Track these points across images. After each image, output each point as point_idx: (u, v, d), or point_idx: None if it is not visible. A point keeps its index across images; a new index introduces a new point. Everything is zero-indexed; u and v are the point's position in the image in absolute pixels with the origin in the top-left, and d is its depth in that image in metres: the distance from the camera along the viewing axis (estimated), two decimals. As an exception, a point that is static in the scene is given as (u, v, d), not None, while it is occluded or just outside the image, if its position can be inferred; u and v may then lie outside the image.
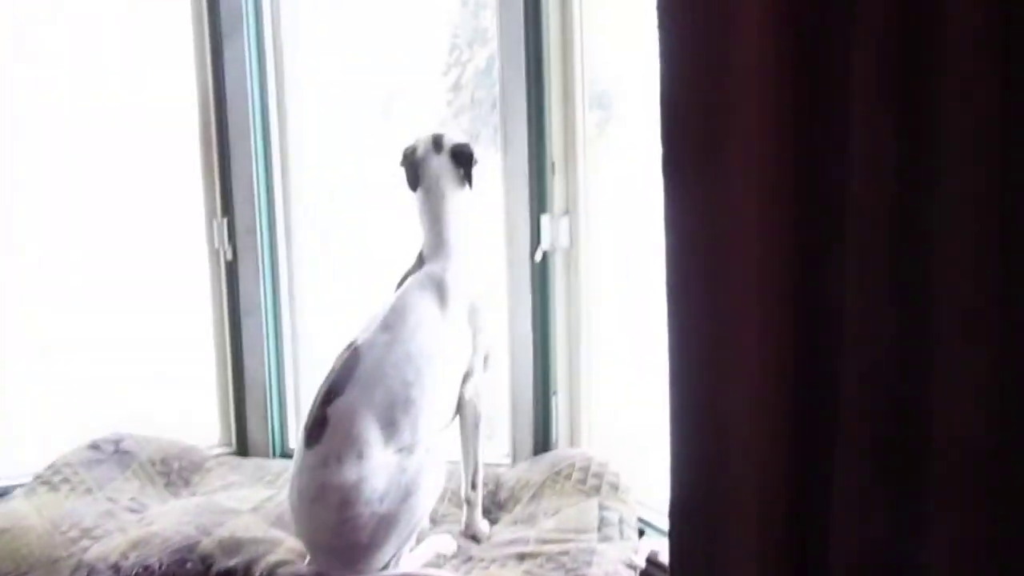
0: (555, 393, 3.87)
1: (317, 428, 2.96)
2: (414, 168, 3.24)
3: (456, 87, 4.31)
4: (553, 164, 3.68)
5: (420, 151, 3.26)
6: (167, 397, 4.65)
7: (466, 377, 3.23)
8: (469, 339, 3.18)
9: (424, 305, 3.09)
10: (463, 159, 3.23)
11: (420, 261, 3.21)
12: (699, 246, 1.88)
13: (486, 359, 3.28)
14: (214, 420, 4.50)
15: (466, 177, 3.22)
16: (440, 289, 3.11)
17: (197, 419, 4.45)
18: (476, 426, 3.28)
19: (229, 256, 4.35)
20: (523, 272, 3.77)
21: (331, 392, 2.96)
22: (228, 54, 4.16)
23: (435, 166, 3.22)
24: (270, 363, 4.42)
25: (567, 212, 3.74)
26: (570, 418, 3.90)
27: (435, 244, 3.20)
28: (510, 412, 3.90)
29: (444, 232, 3.20)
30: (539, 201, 3.75)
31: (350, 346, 3.04)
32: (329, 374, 3.02)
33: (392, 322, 3.04)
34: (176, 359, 4.65)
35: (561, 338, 3.86)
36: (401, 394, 2.93)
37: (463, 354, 3.18)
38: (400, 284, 3.24)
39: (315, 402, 3.01)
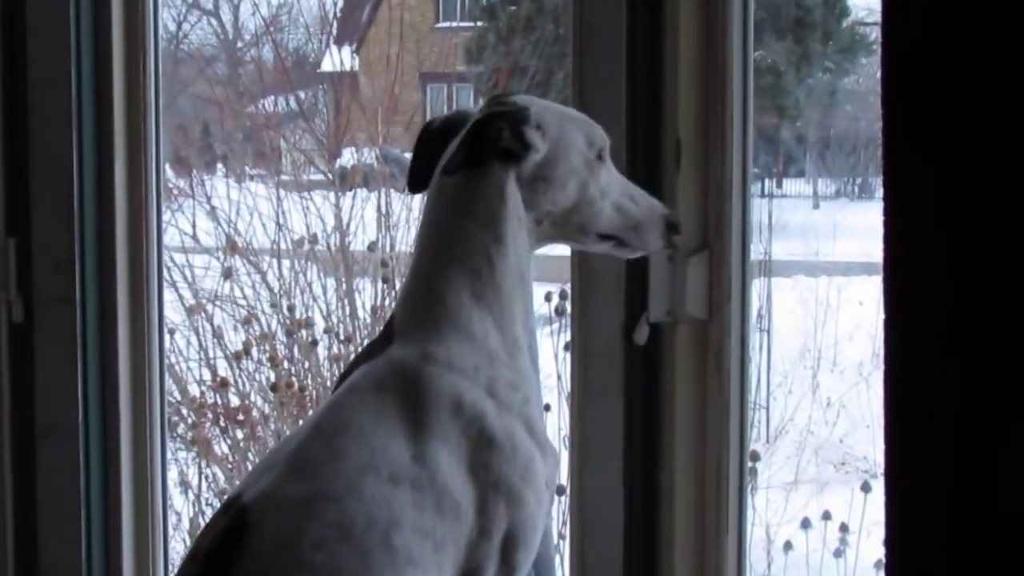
0: None
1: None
2: (427, 156, 2.33)
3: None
4: (678, 142, 2.61)
5: (437, 126, 2.38)
6: None
7: None
8: (471, 501, 2.17)
9: (379, 427, 2.15)
10: (486, 137, 2.21)
11: (387, 334, 2.30)
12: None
13: (511, 543, 2.21)
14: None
15: (501, 169, 2.23)
16: (413, 396, 2.15)
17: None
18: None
19: (18, 316, 3.24)
20: (606, 368, 2.75)
21: None
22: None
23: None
24: (90, 534, 3.24)
25: (705, 247, 2.63)
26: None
27: (418, 303, 2.27)
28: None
29: (441, 279, 2.24)
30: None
31: (230, 506, 2.16)
32: (189, 561, 2.15)
33: (315, 459, 2.15)
34: None
35: (684, 504, 2.74)
36: None
37: (458, 532, 2.17)
38: (343, 379, 2.34)
39: None
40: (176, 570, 2.27)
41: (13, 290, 3.18)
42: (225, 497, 2.35)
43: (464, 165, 2.25)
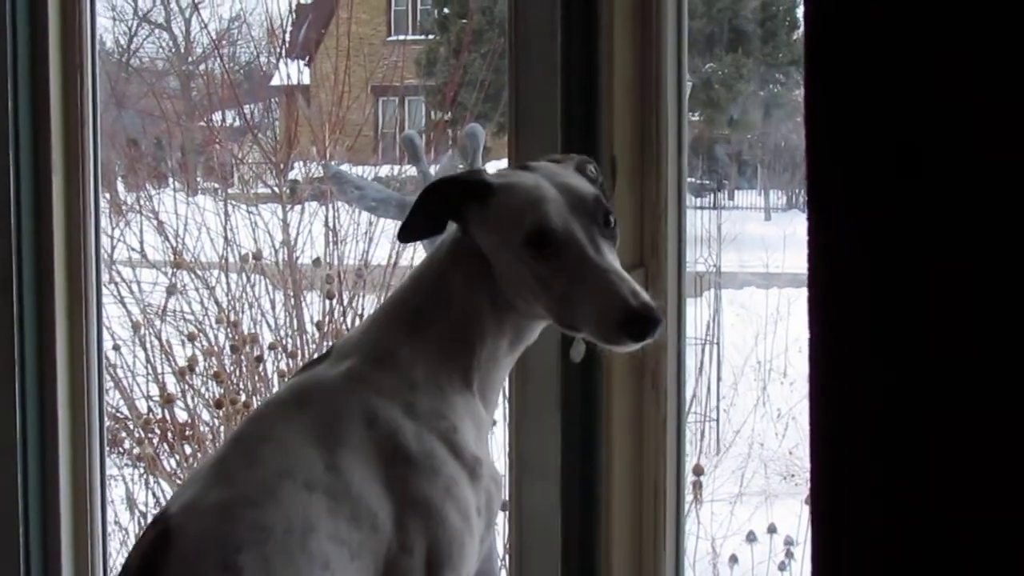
0: None
1: None
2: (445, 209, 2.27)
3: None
4: (614, 159, 2.63)
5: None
6: None
7: None
8: (388, 514, 2.16)
9: (295, 437, 2.18)
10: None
11: (325, 355, 2.33)
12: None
13: (436, 561, 2.20)
14: None
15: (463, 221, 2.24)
16: (330, 410, 2.18)
17: None
18: None
19: None
20: (543, 385, 2.75)
21: None
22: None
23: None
24: (28, 557, 3.21)
25: (640, 264, 2.65)
26: None
27: (359, 330, 2.35)
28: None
29: (387, 313, 2.31)
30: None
31: (157, 521, 2.20)
32: None
33: (234, 467, 2.18)
34: None
35: (621, 521, 2.73)
36: None
37: (375, 543, 2.16)
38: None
39: None
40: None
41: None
42: (157, 513, 2.35)
43: (415, 227, 2.27)
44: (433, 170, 4.22)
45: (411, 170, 4.80)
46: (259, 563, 2.11)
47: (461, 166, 4.17)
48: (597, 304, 2.08)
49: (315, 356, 2.63)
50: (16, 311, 3.01)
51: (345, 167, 4.92)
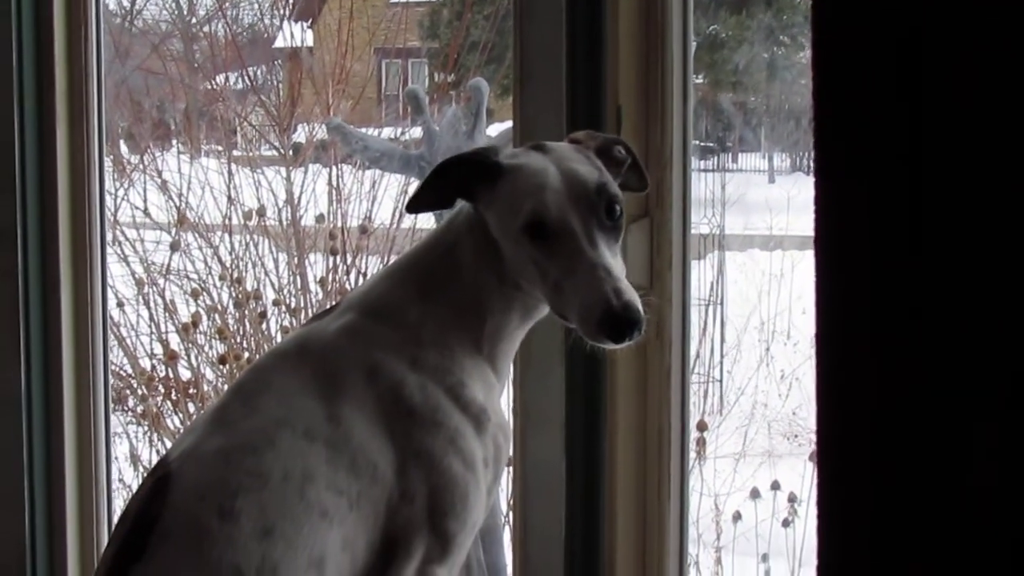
0: None
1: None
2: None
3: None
4: (619, 109, 2.62)
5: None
6: None
7: (393, 549, 2.18)
8: (390, 464, 2.17)
9: (295, 387, 2.20)
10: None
11: (332, 309, 2.34)
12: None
13: (438, 511, 2.19)
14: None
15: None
16: (331, 361, 2.20)
17: None
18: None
19: None
20: (547, 337, 2.66)
21: (122, 558, 2.11)
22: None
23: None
24: (33, 509, 3.22)
25: (646, 215, 2.63)
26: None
27: (369, 286, 2.33)
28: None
29: (398, 271, 2.31)
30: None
31: (157, 469, 2.21)
32: (119, 523, 2.18)
33: (234, 415, 2.19)
34: None
35: (625, 474, 2.72)
36: (252, 553, 2.06)
37: (375, 492, 2.17)
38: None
39: None
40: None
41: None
42: (159, 459, 2.37)
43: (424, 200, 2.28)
44: (436, 126, 4.21)
45: (414, 132, 4.79)
46: (255, 509, 2.11)
47: (464, 122, 4.16)
48: (581, 298, 2.07)
49: (320, 310, 2.60)
50: (21, 266, 3.04)
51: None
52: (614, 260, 2.08)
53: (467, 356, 2.25)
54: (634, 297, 2.04)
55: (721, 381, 4.71)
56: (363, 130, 4.89)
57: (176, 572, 2.10)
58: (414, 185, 4.45)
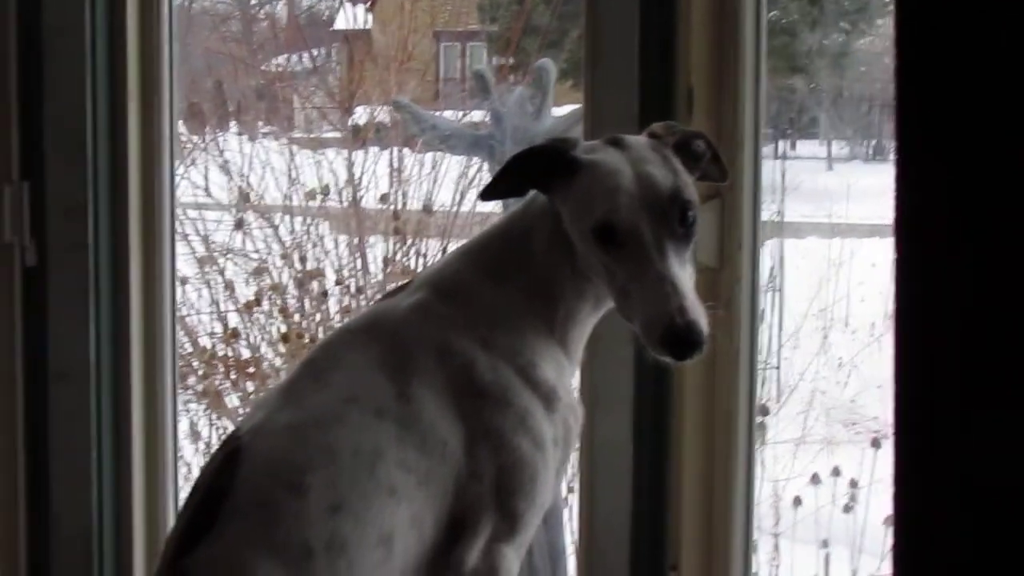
0: (673, 568, 2.79)
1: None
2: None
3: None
4: (691, 92, 2.58)
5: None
6: None
7: (460, 527, 2.19)
8: (459, 443, 2.17)
9: (366, 364, 2.20)
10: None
11: (404, 286, 2.33)
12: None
13: (506, 490, 2.20)
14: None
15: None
16: (403, 340, 2.20)
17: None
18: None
19: (31, 259, 3.19)
20: (615, 317, 2.46)
21: (190, 532, 2.11)
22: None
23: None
24: (101, 481, 3.20)
25: (716, 195, 2.59)
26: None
27: (440, 266, 2.33)
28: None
29: (470, 254, 2.31)
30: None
31: (229, 441, 2.22)
32: (190, 497, 2.19)
33: (304, 390, 2.20)
34: None
35: (692, 457, 2.73)
36: (321, 529, 2.07)
37: (444, 471, 2.18)
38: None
39: (164, 554, 2.20)
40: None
41: (27, 235, 3.14)
42: (229, 432, 2.38)
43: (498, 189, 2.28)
44: (500, 108, 4.20)
45: (474, 115, 4.79)
46: (325, 485, 2.12)
47: (531, 103, 4.16)
48: (646, 311, 2.05)
49: (392, 287, 2.61)
50: (92, 239, 3.08)
51: (408, 111, 4.94)
52: (683, 270, 2.06)
53: (538, 338, 2.25)
54: (698, 315, 2.03)
55: (779, 368, 4.70)
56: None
57: (245, 546, 2.11)
58: (478, 166, 4.45)
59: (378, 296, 2.77)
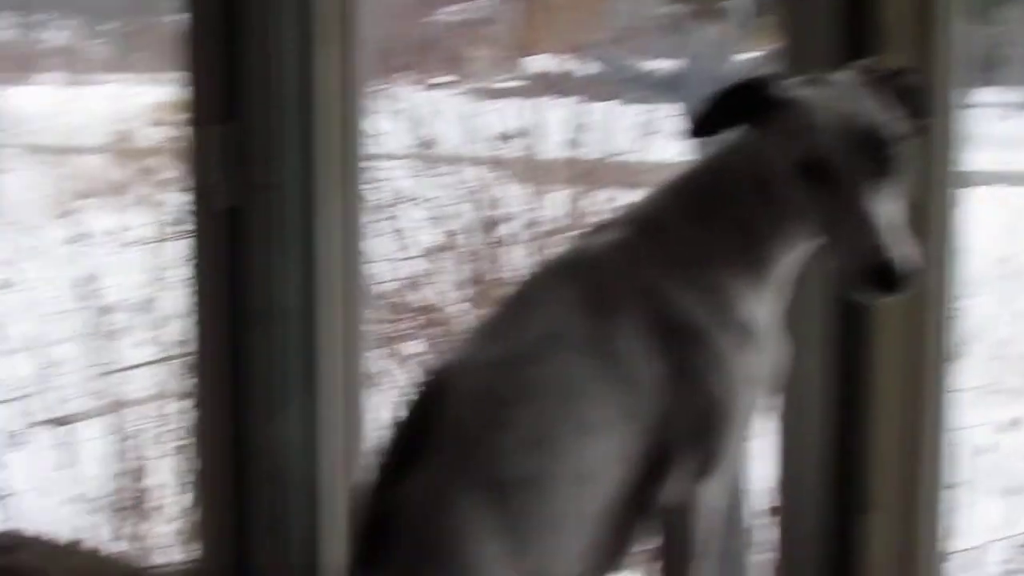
0: (868, 511, 2.73)
1: (375, 536, 2.24)
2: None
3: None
4: (891, 29, 2.51)
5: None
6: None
7: (662, 468, 2.20)
8: (656, 380, 2.17)
9: (566, 301, 2.22)
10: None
11: (609, 223, 2.32)
12: None
13: (703, 424, 2.21)
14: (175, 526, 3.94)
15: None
16: (604, 279, 2.21)
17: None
18: (686, 560, 2.25)
19: (226, 203, 3.24)
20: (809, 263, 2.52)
21: (395, 466, 2.20)
22: None
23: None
24: (308, 413, 3.26)
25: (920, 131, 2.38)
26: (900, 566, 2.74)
27: (643, 204, 2.31)
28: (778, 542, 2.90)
29: (678, 195, 2.27)
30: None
31: (430, 376, 2.27)
32: (395, 432, 2.26)
33: (504, 328, 2.26)
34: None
35: (889, 394, 2.66)
36: (522, 463, 2.12)
37: (639, 407, 2.18)
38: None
39: (370, 488, 2.27)
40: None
41: (224, 175, 3.19)
42: (429, 367, 2.44)
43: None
44: (699, 49, 4.20)
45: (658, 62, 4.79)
46: (526, 421, 2.16)
47: (726, 45, 4.14)
48: (850, 247, 2.03)
49: (596, 223, 2.60)
50: (288, 179, 3.14)
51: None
52: (889, 205, 2.03)
53: (738, 278, 2.24)
54: (906, 249, 2.00)
55: (961, 316, 4.66)
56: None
57: (450, 481, 2.15)
58: (662, 111, 4.44)
59: (577, 235, 2.80)
